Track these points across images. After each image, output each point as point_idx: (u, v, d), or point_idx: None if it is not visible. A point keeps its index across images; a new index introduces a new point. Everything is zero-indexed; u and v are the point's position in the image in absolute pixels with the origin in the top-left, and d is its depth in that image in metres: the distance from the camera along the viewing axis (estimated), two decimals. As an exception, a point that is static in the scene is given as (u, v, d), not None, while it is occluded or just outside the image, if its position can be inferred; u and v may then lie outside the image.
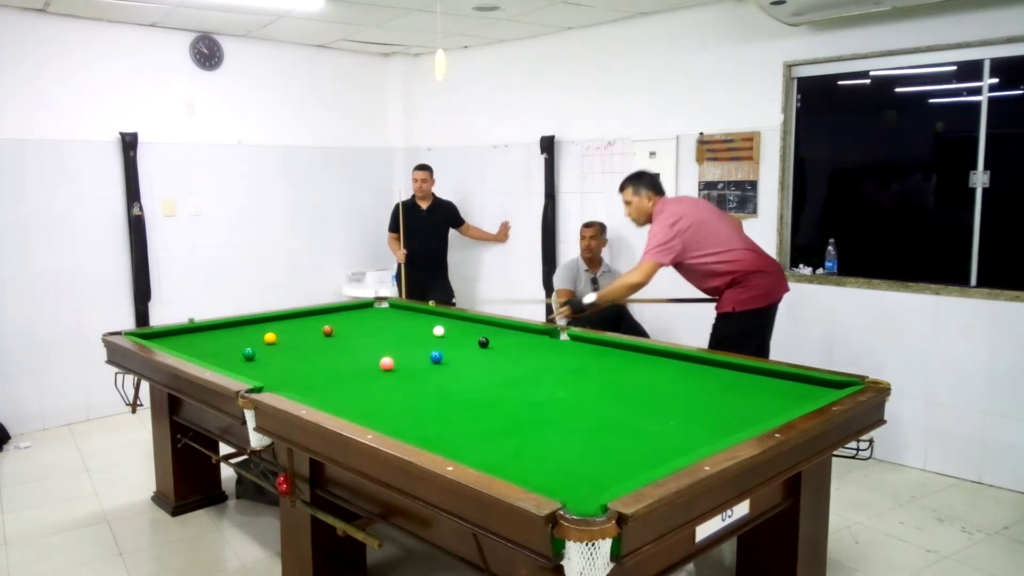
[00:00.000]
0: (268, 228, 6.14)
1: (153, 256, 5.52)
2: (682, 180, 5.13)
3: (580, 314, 3.91)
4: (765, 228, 4.74)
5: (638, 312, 5.20)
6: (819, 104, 4.65)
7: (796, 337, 4.54)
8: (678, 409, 2.68)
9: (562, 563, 1.72)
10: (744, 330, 3.70)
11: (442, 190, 6.23)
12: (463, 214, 6.24)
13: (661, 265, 3.78)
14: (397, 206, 6.00)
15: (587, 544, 1.68)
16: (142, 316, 5.47)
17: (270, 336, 3.82)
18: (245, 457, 3.26)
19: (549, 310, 5.77)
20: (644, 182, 4.06)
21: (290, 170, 6.23)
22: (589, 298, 3.82)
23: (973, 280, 4.09)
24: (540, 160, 5.92)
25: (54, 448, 4.81)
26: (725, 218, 4.11)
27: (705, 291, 3.93)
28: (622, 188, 4.13)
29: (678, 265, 3.87)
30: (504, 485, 1.87)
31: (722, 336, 3.73)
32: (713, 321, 3.86)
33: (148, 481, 4.08)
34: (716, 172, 4.94)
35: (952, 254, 4.17)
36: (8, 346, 5.02)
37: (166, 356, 3.38)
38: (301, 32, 5.73)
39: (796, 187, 4.71)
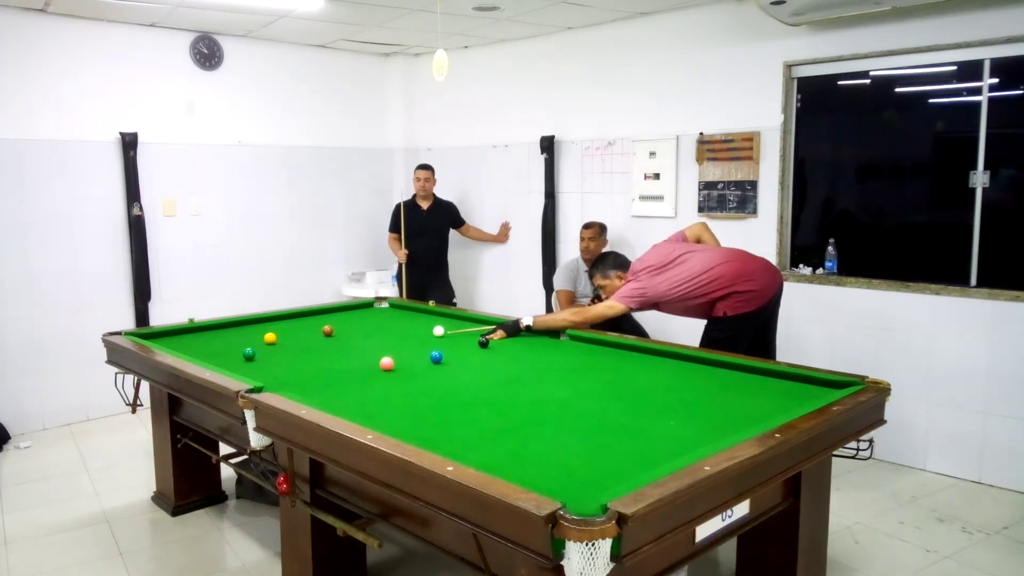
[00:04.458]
0: (268, 228, 6.14)
1: (153, 256, 5.52)
2: (682, 180, 5.13)
3: (513, 335, 3.87)
4: (765, 228, 4.74)
5: (638, 312, 5.19)
6: (819, 104, 4.65)
7: (796, 337, 4.54)
8: (678, 409, 2.68)
9: (562, 563, 1.72)
10: (737, 334, 3.69)
11: (442, 190, 6.24)
12: (463, 214, 6.25)
13: (625, 311, 3.85)
14: (398, 206, 6.00)
15: (587, 544, 1.68)
16: (142, 316, 5.47)
17: (270, 336, 3.82)
18: (245, 457, 3.27)
19: (549, 308, 5.78)
20: (609, 263, 4.16)
21: (290, 170, 6.23)
22: (526, 320, 3.83)
23: (973, 280, 4.09)
24: (540, 160, 5.92)
25: (54, 448, 4.81)
26: (697, 247, 4.00)
27: (700, 317, 3.90)
28: (591, 276, 4.31)
29: (662, 307, 3.88)
30: (504, 485, 1.87)
31: (713, 339, 3.72)
32: (705, 324, 3.86)
33: (148, 481, 4.08)
34: (716, 172, 4.94)
35: (952, 254, 4.17)
36: (8, 346, 5.02)
37: (166, 356, 3.38)
38: (301, 32, 5.73)
39: (796, 187, 4.71)
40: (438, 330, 3.89)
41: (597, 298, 4.53)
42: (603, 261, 4.22)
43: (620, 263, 4.15)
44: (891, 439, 4.15)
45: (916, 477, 4.19)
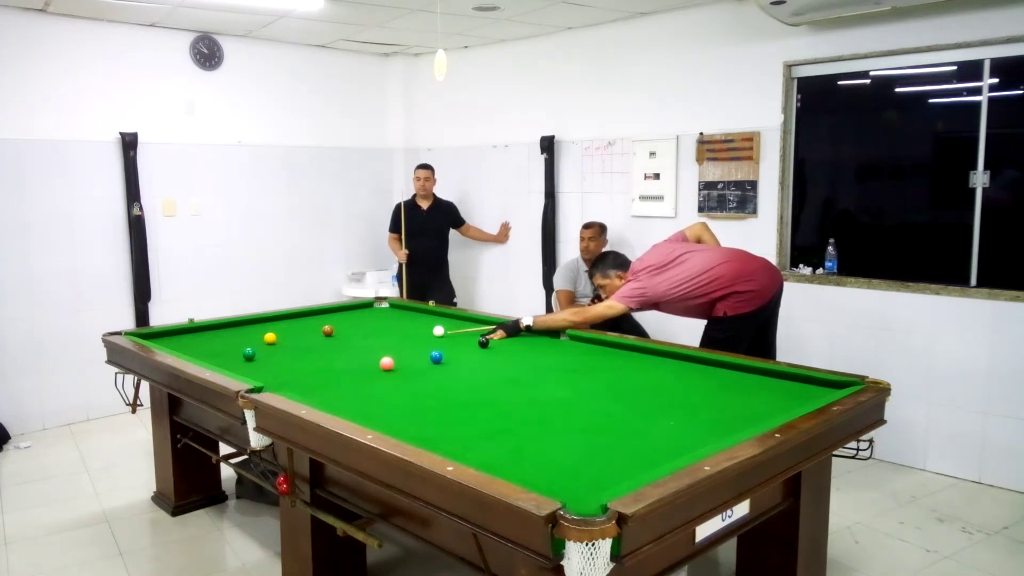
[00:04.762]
0: (268, 228, 6.14)
1: (153, 256, 5.52)
2: (682, 180, 5.13)
3: (513, 335, 3.87)
4: (765, 228, 4.74)
5: (638, 312, 5.19)
6: (819, 104, 4.65)
7: (796, 337, 4.54)
8: (678, 409, 2.68)
9: (562, 563, 1.72)
10: (737, 334, 3.69)
11: (442, 190, 6.24)
12: (463, 214, 6.25)
13: (625, 311, 3.85)
14: (398, 206, 6.00)
15: (587, 544, 1.68)
16: (142, 316, 5.47)
17: (270, 336, 3.82)
18: (245, 457, 3.27)
19: (549, 308, 5.78)
20: (609, 263, 4.16)
21: (290, 170, 6.23)
22: (526, 320, 3.83)
23: (973, 280, 4.09)
24: (540, 160, 5.92)
25: (54, 448, 4.81)
26: (697, 247, 4.01)
27: (700, 317, 3.90)
28: (591, 276, 4.31)
29: (662, 307, 3.88)
30: (504, 485, 1.87)
31: (713, 339, 3.72)
32: (705, 324, 3.86)
33: (148, 481, 4.08)
34: (716, 172, 4.94)
35: (952, 254, 4.17)
36: (8, 346, 5.02)
37: (166, 356, 3.38)
38: (301, 32, 5.73)
39: (796, 187, 4.71)
40: (438, 330, 3.89)
41: (597, 298, 4.53)
42: (603, 261, 4.23)
43: (620, 263, 4.16)
44: (891, 439, 4.15)
45: (916, 477, 4.19)
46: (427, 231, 5.97)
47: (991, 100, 3.96)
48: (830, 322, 4.56)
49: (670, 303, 3.82)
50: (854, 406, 2.59)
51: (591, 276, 4.35)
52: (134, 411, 3.80)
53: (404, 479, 2.11)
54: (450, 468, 1.99)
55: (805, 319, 4.61)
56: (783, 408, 2.55)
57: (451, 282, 6.15)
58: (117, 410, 5.13)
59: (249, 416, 2.73)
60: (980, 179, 4.01)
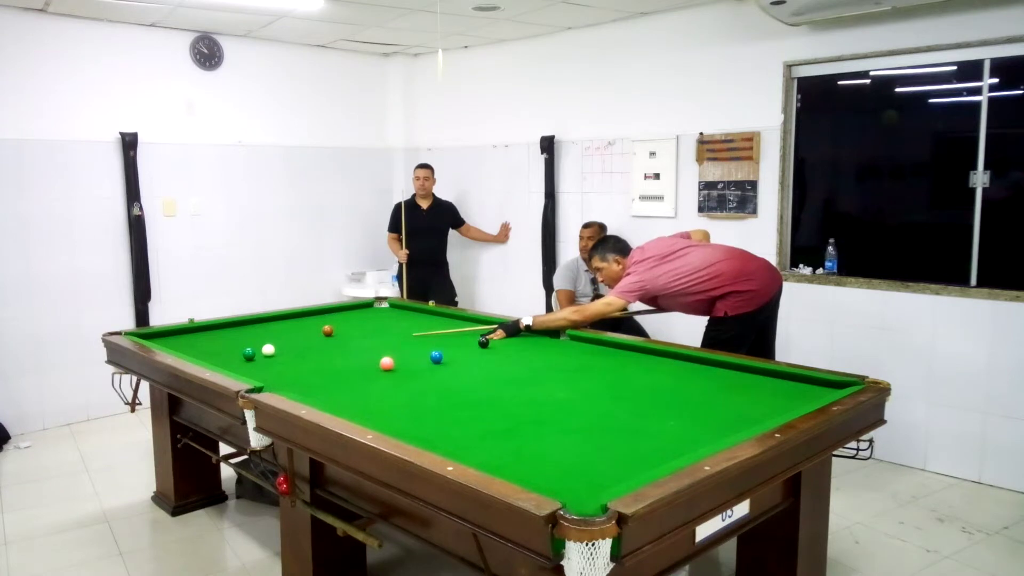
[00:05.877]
0: (268, 228, 6.14)
1: (153, 256, 5.52)
2: (682, 180, 5.13)
3: (513, 335, 3.87)
4: (765, 228, 4.74)
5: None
6: (819, 104, 4.65)
7: (796, 337, 4.54)
8: (678, 409, 2.68)
9: (562, 563, 1.72)
10: (738, 334, 3.69)
11: (442, 190, 6.24)
12: (463, 214, 6.25)
13: (624, 305, 3.84)
14: (398, 206, 6.00)
15: (587, 544, 1.68)
16: (142, 316, 5.47)
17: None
18: (245, 457, 3.27)
19: (550, 308, 5.78)
20: (609, 247, 4.14)
21: (290, 170, 6.23)
22: (525, 320, 3.83)
23: (973, 280, 4.09)
24: (540, 160, 5.92)
25: (54, 448, 4.81)
26: (698, 243, 4.03)
27: (698, 314, 3.90)
28: (589, 257, 4.30)
29: (660, 301, 3.88)
30: (504, 485, 1.87)
31: (715, 340, 3.71)
32: (706, 325, 3.86)
33: (148, 481, 4.08)
34: (716, 172, 4.94)
35: (952, 254, 4.17)
36: (8, 346, 5.02)
37: (166, 356, 3.38)
38: (301, 32, 5.73)
39: (796, 187, 4.71)
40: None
41: (598, 297, 4.53)
42: (603, 244, 4.18)
43: (620, 248, 4.11)
44: (891, 439, 4.15)
45: (916, 477, 4.19)
46: (427, 231, 5.98)
47: (991, 100, 3.96)
48: (830, 322, 4.56)
49: (669, 297, 3.81)
50: (854, 406, 2.59)
51: (591, 257, 4.29)
52: (133, 410, 3.80)
53: (404, 479, 2.11)
54: (450, 468, 1.99)
55: (805, 319, 4.61)
56: (783, 408, 2.55)
57: (452, 282, 6.15)
58: (117, 410, 5.13)
59: (249, 416, 2.73)
60: (980, 179, 4.01)
